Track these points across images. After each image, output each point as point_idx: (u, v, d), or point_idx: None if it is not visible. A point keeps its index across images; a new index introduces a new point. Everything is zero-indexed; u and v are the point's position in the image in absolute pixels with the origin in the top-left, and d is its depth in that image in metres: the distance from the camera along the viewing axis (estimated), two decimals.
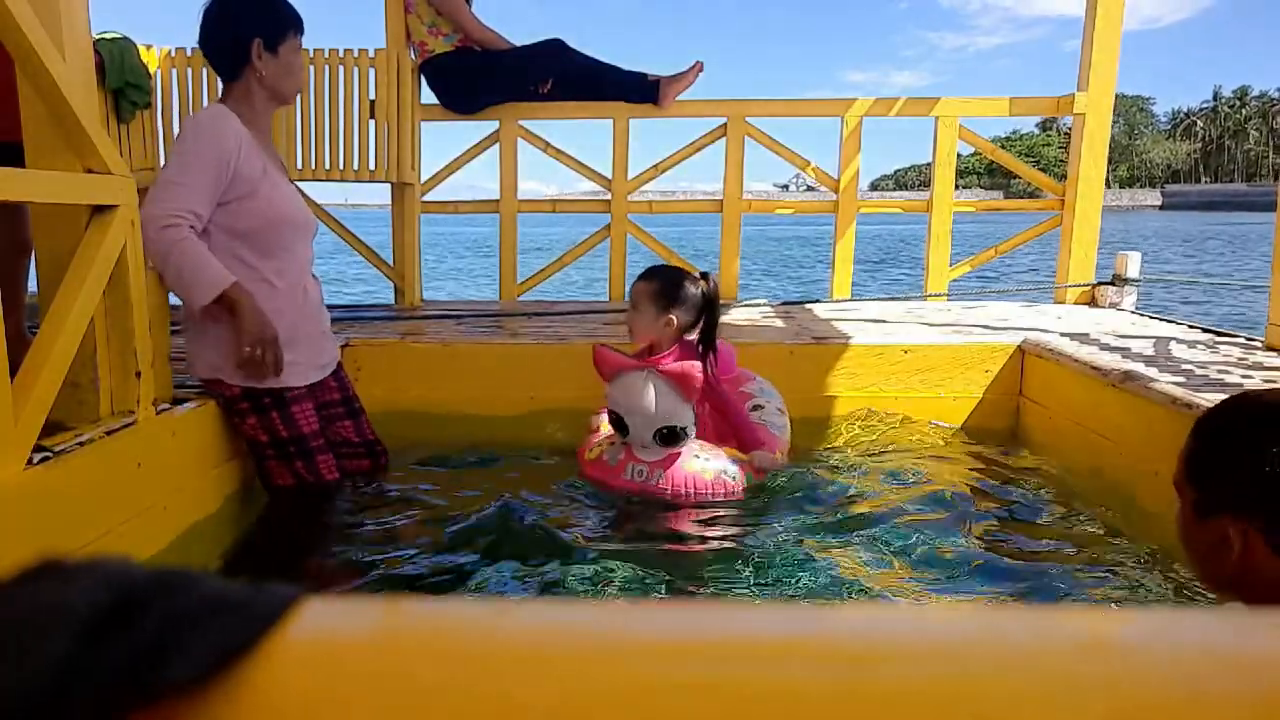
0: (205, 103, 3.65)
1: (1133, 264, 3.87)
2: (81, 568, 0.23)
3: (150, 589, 0.23)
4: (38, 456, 1.51)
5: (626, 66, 3.94)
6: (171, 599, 0.22)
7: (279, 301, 2.06)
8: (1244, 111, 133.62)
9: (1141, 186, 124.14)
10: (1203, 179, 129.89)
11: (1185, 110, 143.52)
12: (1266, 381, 2.20)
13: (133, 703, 0.20)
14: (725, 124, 3.98)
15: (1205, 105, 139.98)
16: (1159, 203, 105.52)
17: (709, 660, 0.22)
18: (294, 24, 2.11)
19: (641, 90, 3.89)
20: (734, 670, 0.22)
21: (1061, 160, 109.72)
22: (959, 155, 4.06)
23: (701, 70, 3.95)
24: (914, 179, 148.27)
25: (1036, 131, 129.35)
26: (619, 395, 2.23)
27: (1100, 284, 3.95)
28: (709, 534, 2.11)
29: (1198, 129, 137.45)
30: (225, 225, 2.01)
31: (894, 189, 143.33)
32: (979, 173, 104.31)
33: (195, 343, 2.08)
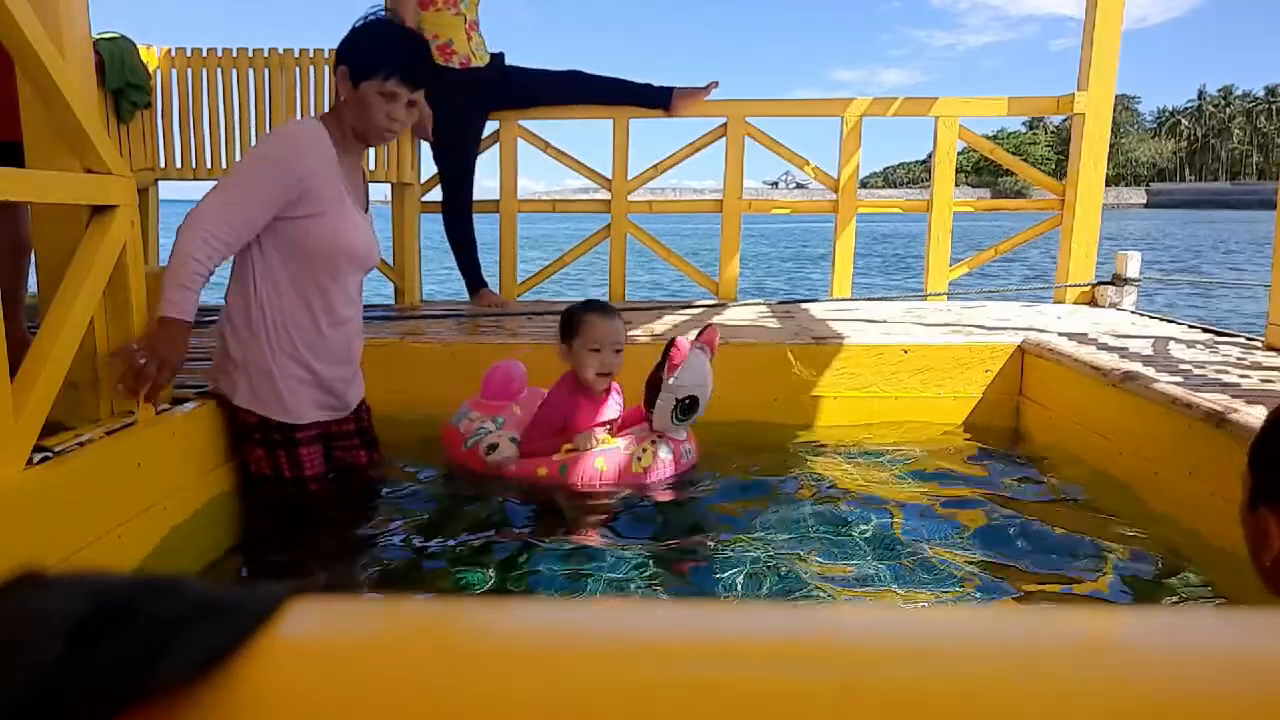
0: (205, 103, 3.66)
1: (1133, 264, 3.87)
2: (64, 577, 0.23)
3: (135, 594, 0.23)
4: (38, 456, 1.51)
5: (620, 67, 3.97)
6: (157, 603, 0.22)
7: (312, 334, 2.02)
8: (1228, 111, 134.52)
9: (1127, 185, 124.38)
10: (1188, 177, 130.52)
11: (1170, 109, 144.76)
12: (1265, 381, 2.20)
13: (119, 706, 0.21)
14: (725, 124, 3.98)
15: (1190, 104, 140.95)
16: (1144, 201, 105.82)
17: (709, 660, 0.22)
18: (384, 66, 1.96)
19: (653, 98, 3.92)
20: (734, 670, 0.22)
21: (1048, 158, 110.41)
22: None
23: (716, 87, 3.98)
24: (902, 176, 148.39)
25: (1023, 130, 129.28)
26: (692, 377, 2.28)
27: (1100, 284, 3.96)
28: (694, 526, 2.11)
29: (1183, 128, 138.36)
30: (287, 238, 1.95)
31: (883, 186, 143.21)
32: (966, 170, 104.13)
33: (217, 356, 2.06)
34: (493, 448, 2.34)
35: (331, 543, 2.06)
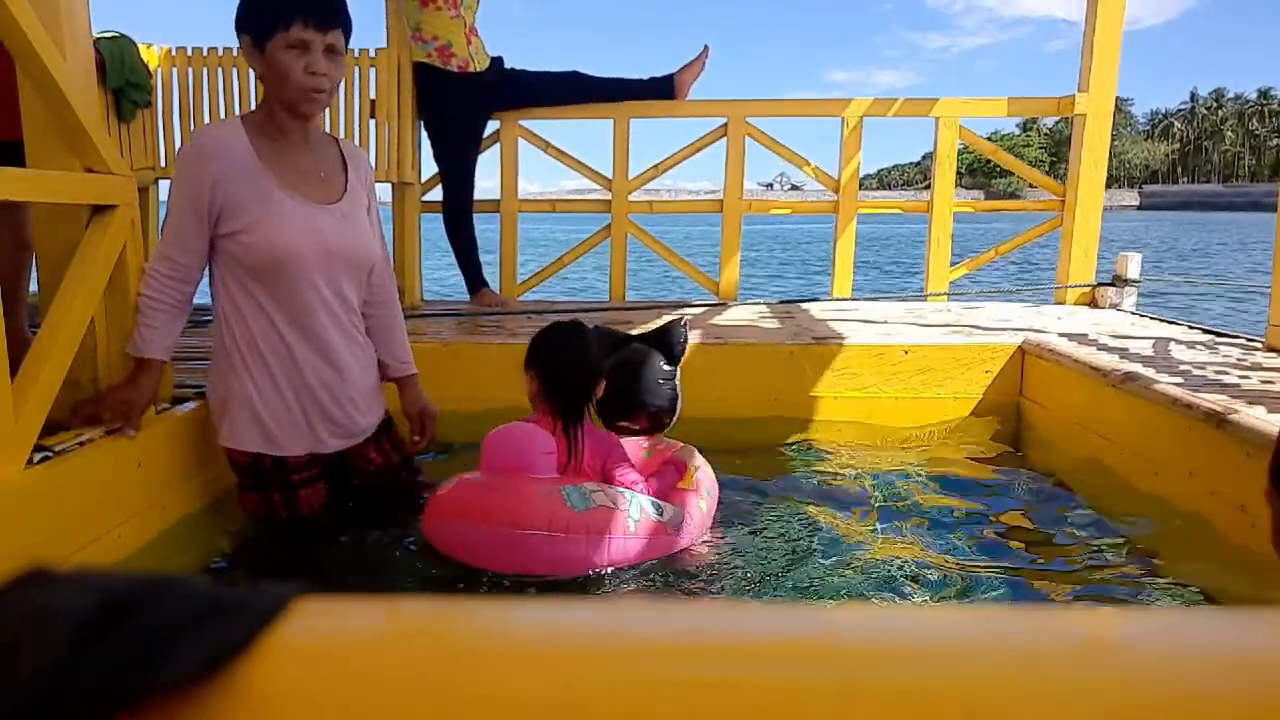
0: (205, 103, 3.66)
1: (1133, 265, 3.87)
2: (71, 575, 0.23)
3: (139, 594, 0.23)
4: (38, 456, 1.51)
5: (619, 67, 3.97)
6: (160, 604, 0.23)
7: (285, 351, 1.82)
8: (1220, 113, 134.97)
9: (1120, 187, 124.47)
10: (1180, 179, 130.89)
11: (1163, 111, 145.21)
12: (1265, 383, 2.20)
13: (119, 706, 0.21)
14: (725, 124, 3.98)
15: (1183, 107, 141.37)
16: (1137, 203, 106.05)
17: (709, 660, 0.22)
18: (282, 15, 1.70)
19: (656, 90, 3.92)
20: (734, 670, 0.22)
21: (1041, 160, 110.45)
22: None
23: (708, 53, 3.98)
24: (897, 179, 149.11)
25: (1016, 132, 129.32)
26: None
27: (1101, 285, 3.96)
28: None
29: (1175, 130, 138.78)
30: (231, 256, 1.79)
31: (877, 188, 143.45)
32: (959, 172, 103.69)
33: (210, 390, 1.93)
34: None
35: (332, 543, 2.03)
